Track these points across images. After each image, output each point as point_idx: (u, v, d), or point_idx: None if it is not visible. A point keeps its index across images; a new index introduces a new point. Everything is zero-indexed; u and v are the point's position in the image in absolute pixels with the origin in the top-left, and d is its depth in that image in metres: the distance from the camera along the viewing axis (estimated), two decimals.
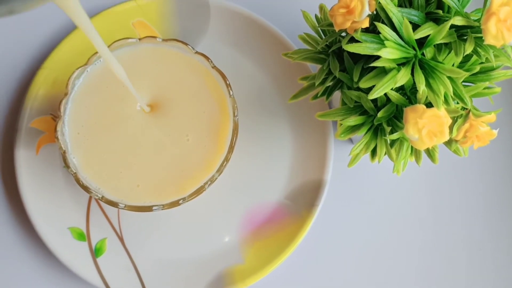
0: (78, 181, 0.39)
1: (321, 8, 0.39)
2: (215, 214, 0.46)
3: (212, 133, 0.41)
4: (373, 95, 0.32)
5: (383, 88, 0.32)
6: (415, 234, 0.46)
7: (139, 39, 0.41)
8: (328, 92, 0.38)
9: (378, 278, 0.46)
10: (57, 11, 0.47)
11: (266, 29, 0.47)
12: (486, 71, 0.35)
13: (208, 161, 0.40)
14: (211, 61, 0.41)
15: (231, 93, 0.41)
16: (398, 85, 0.31)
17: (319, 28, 0.38)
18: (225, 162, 0.40)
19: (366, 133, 0.36)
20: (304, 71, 0.46)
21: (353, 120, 0.35)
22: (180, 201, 0.39)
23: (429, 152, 0.37)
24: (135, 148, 0.40)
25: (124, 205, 0.39)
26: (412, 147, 0.36)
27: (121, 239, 0.45)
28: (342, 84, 0.38)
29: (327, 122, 0.46)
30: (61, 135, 0.40)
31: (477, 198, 0.47)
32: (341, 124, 0.36)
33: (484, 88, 0.35)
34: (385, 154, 0.36)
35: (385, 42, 0.30)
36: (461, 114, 0.34)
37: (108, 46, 0.40)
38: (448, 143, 0.36)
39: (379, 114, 0.33)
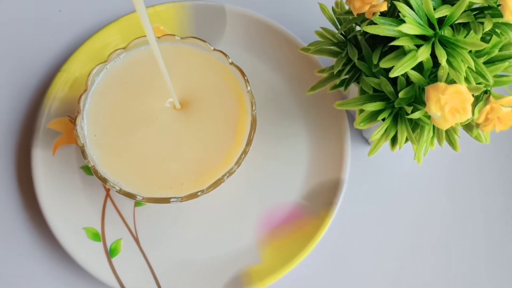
0: (96, 173, 0.39)
1: (337, 4, 0.40)
2: (232, 214, 0.45)
3: (231, 127, 0.41)
4: (394, 73, 0.32)
5: (404, 66, 0.32)
6: (435, 232, 0.45)
7: (158, 37, 0.42)
8: (346, 82, 0.38)
9: (398, 277, 0.44)
10: (76, 18, 0.48)
11: (280, 33, 0.48)
12: (503, 59, 0.36)
13: (227, 154, 0.40)
14: (229, 58, 0.42)
15: (248, 88, 0.41)
16: (419, 60, 0.31)
17: (336, 18, 0.38)
18: (243, 155, 0.39)
19: (387, 118, 0.36)
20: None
21: (373, 105, 0.35)
22: (199, 193, 0.38)
23: (450, 139, 0.37)
24: (157, 143, 0.40)
25: (141, 197, 0.38)
26: (434, 129, 0.36)
27: (136, 240, 0.44)
28: (360, 73, 0.38)
29: (344, 120, 0.46)
30: (80, 130, 0.40)
31: (497, 195, 0.46)
32: (361, 111, 0.37)
33: (502, 77, 0.35)
34: (406, 141, 0.36)
35: (405, 18, 0.31)
36: (482, 95, 0.34)
37: (127, 44, 0.41)
38: (469, 128, 0.36)
39: (400, 95, 0.34)
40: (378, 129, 0.36)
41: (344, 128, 0.46)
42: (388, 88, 0.35)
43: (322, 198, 0.45)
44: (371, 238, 0.45)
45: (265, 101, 0.48)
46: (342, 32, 0.38)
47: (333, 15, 0.39)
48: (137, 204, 0.45)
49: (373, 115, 0.37)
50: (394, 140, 0.37)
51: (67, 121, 0.46)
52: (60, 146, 0.45)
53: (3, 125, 0.47)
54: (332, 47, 0.39)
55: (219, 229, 0.45)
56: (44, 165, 0.44)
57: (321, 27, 0.40)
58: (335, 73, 0.37)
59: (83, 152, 0.39)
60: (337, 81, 0.38)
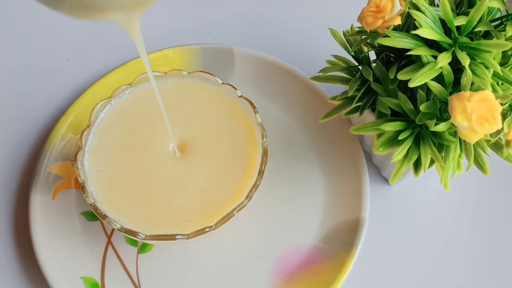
0: (96, 210, 0.36)
1: (347, 32, 0.39)
2: (243, 261, 0.41)
3: (241, 161, 0.38)
4: (414, 83, 0.30)
5: (424, 76, 0.30)
6: (464, 272, 0.41)
7: (165, 73, 0.41)
8: (362, 107, 0.36)
9: None
10: (83, 66, 0.48)
11: (289, 72, 0.47)
12: None
13: (237, 189, 0.37)
14: (238, 91, 0.40)
15: (259, 120, 0.39)
16: (439, 66, 0.29)
17: (346, 40, 0.37)
18: (254, 188, 0.37)
19: (408, 138, 0.33)
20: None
21: (393, 125, 0.33)
22: (207, 229, 0.35)
23: (478, 161, 0.34)
24: (161, 180, 0.38)
25: (144, 235, 0.35)
26: (461, 146, 0.33)
27: None
28: (375, 98, 0.36)
29: (360, 157, 0.43)
30: (81, 166, 0.37)
31: None
32: (379, 136, 0.34)
33: None
34: (430, 164, 0.33)
35: (422, 24, 0.29)
36: (510, 109, 0.31)
37: (133, 81, 0.40)
38: (498, 148, 0.33)
39: (421, 108, 0.31)
40: (399, 150, 0.33)
41: (361, 165, 0.43)
42: (407, 105, 0.33)
43: (341, 239, 0.41)
44: (396, 280, 0.41)
45: (276, 140, 0.46)
46: (354, 54, 0.37)
47: (344, 39, 0.38)
48: (141, 250, 0.42)
49: (393, 139, 0.34)
50: (417, 165, 0.34)
51: (69, 166, 0.44)
52: (60, 190, 0.43)
53: (3, 168, 0.45)
54: (344, 73, 0.38)
55: (230, 277, 0.41)
56: (43, 210, 0.42)
57: (332, 55, 0.39)
58: (349, 95, 0.35)
59: (83, 188, 0.36)
60: (352, 106, 0.36)
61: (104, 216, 0.36)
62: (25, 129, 0.46)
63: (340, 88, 0.41)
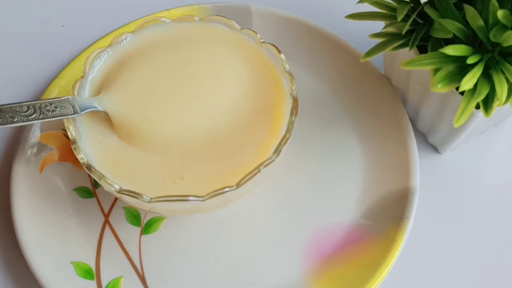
0: (89, 168, 0.29)
1: None
2: (269, 242, 0.34)
3: (265, 114, 0.32)
4: None
5: None
6: None
7: (173, 20, 0.35)
8: (414, 37, 0.29)
9: None
10: (76, 33, 0.42)
11: (314, 29, 0.41)
12: None
13: (262, 144, 0.31)
14: (259, 35, 0.34)
15: (286, 67, 0.33)
16: None
17: None
18: (283, 142, 0.30)
19: (477, 64, 0.27)
20: (364, 69, 0.39)
21: (457, 49, 0.26)
22: (226, 189, 0.28)
23: None
24: (176, 138, 0.31)
25: (149, 198, 0.28)
26: None
27: (142, 279, 0.33)
28: (428, 27, 0.30)
29: (404, 120, 0.36)
30: (72, 121, 0.31)
31: None
32: (436, 70, 0.28)
33: None
34: (508, 95, 0.27)
35: None
36: None
37: (136, 27, 0.34)
38: None
39: (499, 15, 0.25)
40: (468, 76, 0.26)
41: (406, 127, 0.36)
42: (477, 21, 0.26)
43: (389, 213, 0.34)
44: (455, 260, 0.33)
45: (303, 109, 0.39)
46: None
47: None
48: (145, 230, 0.34)
49: (455, 73, 0.28)
50: (487, 102, 0.28)
51: (61, 135, 0.37)
52: (49, 163, 0.36)
53: None
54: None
55: (254, 263, 0.33)
56: (27, 183, 0.35)
57: None
58: (399, 20, 0.29)
59: (75, 149, 0.30)
60: (404, 29, 0.29)
61: (101, 176, 0.29)
62: (15, 95, 0.40)
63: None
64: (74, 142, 0.30)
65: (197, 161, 0.30)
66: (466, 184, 0.37)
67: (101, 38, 0.41)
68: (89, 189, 0.36)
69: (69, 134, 0.30)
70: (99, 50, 0.33)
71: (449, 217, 0.35)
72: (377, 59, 0.39)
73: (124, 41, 0.34)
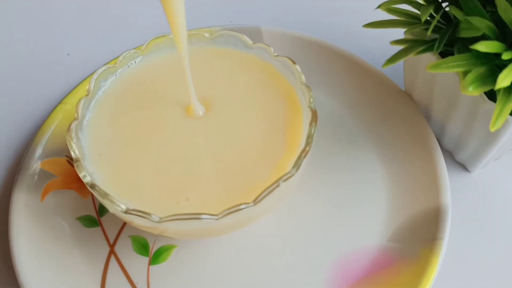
0: (93, 187, 0.26)
1: None
2: (292, 269, 0.31)
3: (280, 129, 0.30)
4: None
5: None
6: None
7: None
8: (440, 38, 0.28)
9: None
10: (82, 60, 0.41)
11: (327, 48, 0.39)
12: None
13: (280, 160, 0.28)
14: (272, 49, 0.32)
15: (302, 79, 0.31)
16: None
17: None
18: (303, 155, 0.27)
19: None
20: (383, 85, 0.37)
21: (490, 45, 0.24)
22: (243, 206, 0.26)
23: None
24: (182, 158, 0.29)
25: (158, 218, 0.25)
26: None
27: None
28: (454, 28, 0.28)
29: (429, 136, 0.34)
30: (76, 140, 0.29)
31: None
32: (466, 73, 0.26)
33: None
34: None
35: None
36: None
37: (144, 47, 0.33)
38: None
39: None
40: (505, 72, 0.24)
41: (432, 143, 0.34)
42: (510, 14, 0.24)
43: (419, 235, 0.31)
44: (493, 281, 0.30)
45: (319, 129, 0.37)
46: None
47: None
48: (153, 260, 0.32)
49: (487, 75, 0.26)
50: None
51: (64, 162, 0.35)
52: (51, 190, 0.34)
53: None
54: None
55: None
56: (28, 212, 0.32)
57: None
58: (423, 21, 0.27)
59: (77, 164, 0.27)
60: (430, 29, 0.27)
61: (105, 194, 0.26)
62: (20, 120, 0.38)
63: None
64: (77, 160, 0.28)
65: (204, 180, 0.28)
66: (500, 203, 0.34)
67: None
68: (93, 217, 0.33)
69: (71, 153, 0.28)
70: (107, 68, 0.32)
71: (484, 237, 0.32)
72: (396, 75, 0.38)
73: (134, 63, 0.33)
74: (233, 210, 0.26)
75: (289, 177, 0.27)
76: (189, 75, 0.29)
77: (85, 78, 0.39)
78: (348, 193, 0.34)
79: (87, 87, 0.31)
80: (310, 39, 0.40)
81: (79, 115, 0.30)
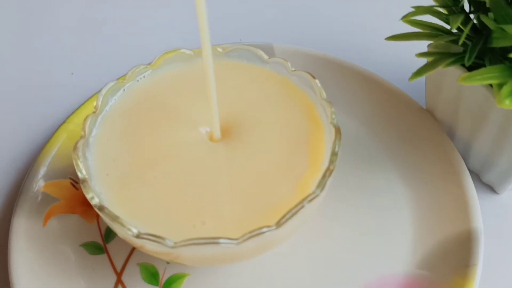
0: (102, 209, 0.24)
1: None
2: None
3: (301, 147, 0.28)
4: None
5: None
6: None
7: (193, 51, 0.32)
8: (470, 48, 0.26)
9: None
10: (86, 80, 0.40)
11: (342, 66, 0.38)
12: None
13: (302, 179, 0.26)
14: (289, 64, 0.31)
15: (323, 94, 0.29)
16: None
17: None
18: (327, 174, 0.26)
19: None
20: (403, 104, 0.35)
21: None
22: (265, 230, 0.23)
23: None
24: (197, 179, 0.27)
25: (173, 243, 0.23)
26: None
27: None
28: (486, 38, 0.26)
29: (456, 157, 0.32)
30: (82, 158, 0.27)
31: None
32: (500, 85, 0.24)
33: None
34: None
35: None
36: None
37: (155, 61, 0.31)
38: None
39: None
40: None
41: (458, 164, 0.32)
42: None
43: (450, 261, 0.29)
44: None
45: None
46: None
47: None
48: None
49: None
50: None
51: (68, 185, 0.33)
52: (54, 215, 0.32)
53: None
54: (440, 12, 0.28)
55: None
56: (29, 239, 0.30)
57: (413, 6, 0.30)
58: (453, 27, 0.25)
59: (84, 185, 0.25)
60: (461, 39, 0.26)
61: (115, 217, 0.24)
62: (23, 140, 0.37)
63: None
64: (84, 181, 0.26)
65: (222, 201, 0.26)
66: None
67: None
68: (99, 244, 0.31)
69: (78, 173, 0.26)
70: (115, 84, 0.30)
71: None
72: (415, 93, 0.36)
73: (142, 78, 0.31)
74: (255, 233, 0.23)
75: (314, 197, 0.25)
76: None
77: (90, 97, 0.37)
78: (371, 217, 0.32)
79: (95, 104, 0.29)
80: (325, 57, 0.38)
81: (86, 133, 0.28)
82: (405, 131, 0.35)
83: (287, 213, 0.24)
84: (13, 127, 0.38)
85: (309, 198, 0.24)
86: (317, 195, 0.25)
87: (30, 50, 0.44)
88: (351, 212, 0.32)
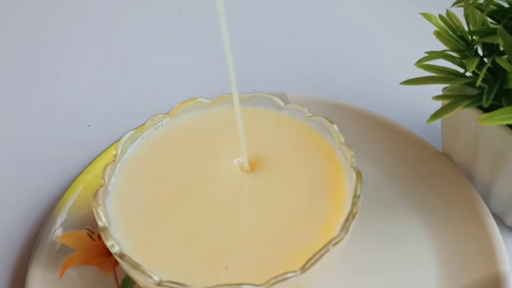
0: (123, 257, 0.24)
1: (444, 16, 0.31)
2: None
3: (322, 191, 0.28)
4: None
5: None
6: None
7: (211, 100, 0.33)
8: (488, 89, 0.26)
9: None
10: (103, 132, 0.41)
11: (356, 112, 0.38)
12: None
13: (324, 223, 0.26)
14: (306, 110, 0.31)
15: (341, 139, 0.29)
16: None
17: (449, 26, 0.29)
18: (350, 217, 0.25)
19: None
20: (420, 149, 0.35)
21: None
22: (289, 275, 0.23)
23: None
24: (220, 218, 0.27)
25: None
26: None
27: None
28: (503, 79, 0.27)
29: (477, 200, 0.32)
30: (102, 206, 0.27)
31: None
32: None
33: None
34: None
35: None
36: None
37: (173, 110, 0.32)
38: None
39: None
40: None
41: (480, 207, 0.32)
42: None
43: None
44: None
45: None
46: (461, 35, 0.28)
47: (444, 25, 0.30)
48: None
49: None
50: None
51: (85, 235, 0.33)
52: (71, 266, 0.31)
53: (5, 238, 0.34)
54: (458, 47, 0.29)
55: None
56: None
57: (426, 52, 0.30)
58: (469, 70, 0.26)
59: (104, 232, 0.25)
60: (478, 81, 0.26)
61: (137, 265, 0.24)
62: (38, 194, 0.37)
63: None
64: (104, 229, 0.25)
65: (245, 245, 0.25)
66: None
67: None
68: None
69: (98, 221, 0.26)
70: (134, 133, 0.30)
71: None
72: (430, 137, 0.36)
73: (161, 125, 0.31)
74: (279, 279, 0.23)
75: (338, 241, 0.24)
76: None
77: (107, 148, 0.37)
78: (393, 263, 0.31)
79: (114, 152, 0.29)
80: (339, 104, 0.39)
81: (106, 181, 0.28)
82: (424, 176, 0.35)
83: (312, 257, 0.23)
84: (31, 179, 0.38)
85: (334, 241, 0.24)
86: (342, 239, 0.24)
87: (46, 102, 0.45)
88: (373, 258, 0.31)
